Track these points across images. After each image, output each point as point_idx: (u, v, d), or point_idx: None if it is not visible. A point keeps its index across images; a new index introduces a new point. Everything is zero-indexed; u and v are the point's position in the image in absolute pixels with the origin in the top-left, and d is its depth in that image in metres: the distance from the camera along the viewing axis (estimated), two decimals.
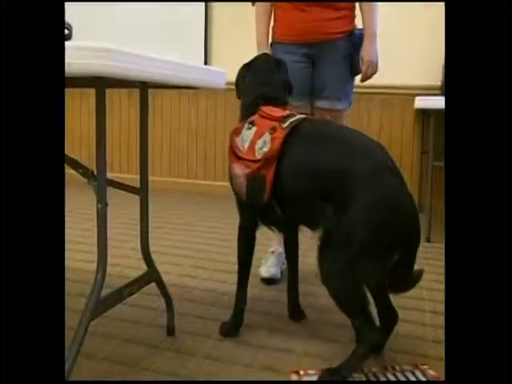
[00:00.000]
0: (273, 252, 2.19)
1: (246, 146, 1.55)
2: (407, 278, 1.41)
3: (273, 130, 1.49)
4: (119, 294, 1.38)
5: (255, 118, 1.60)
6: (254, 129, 1.56)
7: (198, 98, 4.26)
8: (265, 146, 1.48)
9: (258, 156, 1.48)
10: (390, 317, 1.50)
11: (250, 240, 1.62)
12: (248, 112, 1.66)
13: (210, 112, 4.24)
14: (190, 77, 1.47)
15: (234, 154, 1.58)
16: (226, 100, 4.15)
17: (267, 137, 1.49)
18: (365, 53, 2.07)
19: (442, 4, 3.55)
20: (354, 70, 2.11)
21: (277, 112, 1.56)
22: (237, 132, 1.62)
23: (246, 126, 1.60)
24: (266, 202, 1.48)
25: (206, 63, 4.05)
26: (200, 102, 4.26)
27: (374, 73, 2.11)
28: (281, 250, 2.07)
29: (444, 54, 3.40)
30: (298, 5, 2.04)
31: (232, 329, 1.62)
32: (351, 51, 2.08)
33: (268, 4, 2.16)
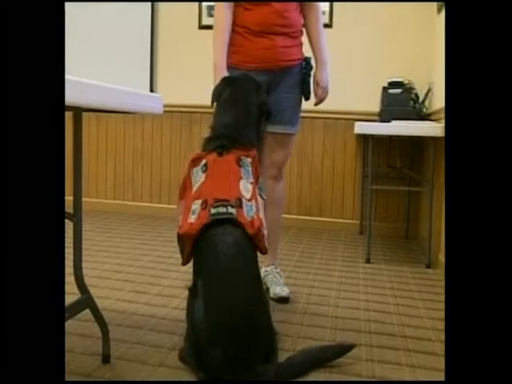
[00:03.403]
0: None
1: (194, 189, 1.60)
2: None
3: (204, 204, 1.53)
4: None
5: (210, 162, 1.62)
6: (203, 178, 1.60)
7: (144, 120, 4.24)
8: (194, 214, 1.54)
9: (188, 220, 1.53)
10: None
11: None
12: (210, 145, 1.68)
13: (155, 134, 4.23)
14: (125, 102, 1.47)
15: (185, 188, 1.63)
16: (171, 122, 4.16)
17: (198, 207, 1.54)
18: (320, 79, 2.24)
19: (384, 34, 3.72)
20: (306, 95, 2.22)
21: (223, 178, 1.58)
22: (194, 163, 1.65)
23: (202, 165, 1.62)
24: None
25: (151, 90, 4.05)
26: (145, 124, 4.24)
27: (326, 96, 2.29)
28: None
29: (382, 82, 3.56)
30: (263, 33, 2.09)
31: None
32: (304, 77, 2.20)
33: (229, 26, 2.10)
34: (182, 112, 4.09)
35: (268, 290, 2.23)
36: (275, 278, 2.26)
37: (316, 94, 2.27)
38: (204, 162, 1.63)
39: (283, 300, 2.16)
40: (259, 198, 1.64)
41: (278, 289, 2.19)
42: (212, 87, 1.99)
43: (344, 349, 1.62)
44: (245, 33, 2.11)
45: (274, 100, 2.13)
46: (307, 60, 2.22)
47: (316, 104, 2.29)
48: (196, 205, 1.55)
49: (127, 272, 2.56)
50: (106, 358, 1.57)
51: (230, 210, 1.52)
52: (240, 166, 1.63)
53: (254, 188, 1.63)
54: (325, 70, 2.25)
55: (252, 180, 1.63)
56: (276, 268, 2.33)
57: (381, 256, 3.11)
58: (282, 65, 2.14)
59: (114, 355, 1.60)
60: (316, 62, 2.25)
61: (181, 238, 1.57)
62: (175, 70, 4.10)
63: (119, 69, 4.03)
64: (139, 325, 1.87)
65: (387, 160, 3.75)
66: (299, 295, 2.27)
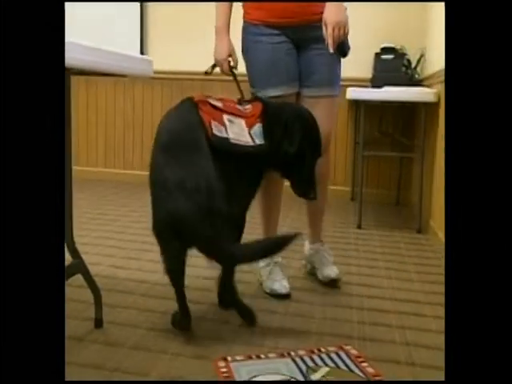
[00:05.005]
0: (276, 263, 1.98)
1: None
2: None
3: None
4: None
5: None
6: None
7: (134, 87, 4.17)
8: None
9: None
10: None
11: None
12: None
13: (146, 101, 4.17)
14: (115, 64, 1.44)
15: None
16: (162, 89, 4.10)
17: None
18: (327, 14, 1.77)
19: (376, 3, 3.65)
20: (341, 50, 1.86)
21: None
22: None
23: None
24: None
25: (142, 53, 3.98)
26: (136, 91, 4.18)
27: (344, 34, 1.79)
28: (281, 259, 2.01)
29: (374, 48, 3.52)
30: None
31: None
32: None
33: None
34: (172, 79, 4.03)
35: (314, 270, 2.06)
36: (324, 258, 2.04)
37: (348, 48, 1.90)
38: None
39: (333, 282, 1.96)
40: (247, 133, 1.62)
41: (327, 270, 1.98)
42: (211, 52, 1.91)
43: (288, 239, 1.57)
44: None
45: (305, 61, 1.91)
46: None
47: (332, 48, 1.78)
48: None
49: (119, 239, 2.56)
50: (98, 323, 1.58)
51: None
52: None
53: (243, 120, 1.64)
54: (334, 4, 1.78)
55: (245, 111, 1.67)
56: (323, 245, 2.09)
57: (372, 222, 3.13)
58: (309, 19, 1.86)
59: (106, 320, 1.61)
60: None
61: None
62: (166, 35, 4.02)
63: (108, 35, 3.94)
64: (131, 290, 1.88)
65: (379, 126, 3.73)
66: (291, 260, 2.29)
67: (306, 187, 1.74)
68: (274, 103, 1.75)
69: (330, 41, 1.77)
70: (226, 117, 1.60)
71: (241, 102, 1.73)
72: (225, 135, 1.56)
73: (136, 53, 3.97)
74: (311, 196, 1.74)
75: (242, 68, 1.97)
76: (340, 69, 1.98)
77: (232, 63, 1.94)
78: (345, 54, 1.91)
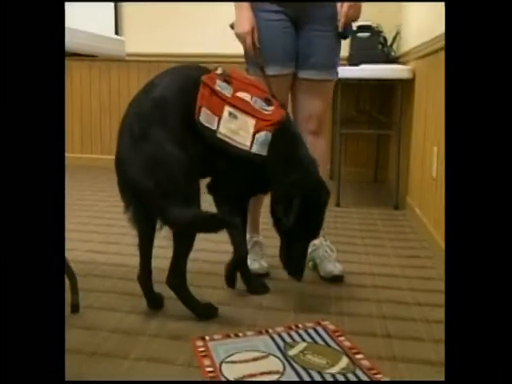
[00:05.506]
0: (256, 242, 1.98)
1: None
2: None
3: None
4: None
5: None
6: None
7: (110, 70, 4.10)
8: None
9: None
10: None
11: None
12: None
13: (122, 84, 4.11)
14: (87, 43, 1.42)
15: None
16: (139, 72, 4.04)
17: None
18: None
19: None
20: (342, 32, 1.81)
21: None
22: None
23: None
24: None
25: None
26: (112, 74, 4.11)
27: (357, 17, 1.77)
28: (261, 238, 2.01)
29: None
30: None
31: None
32: (337, 10, 1.78)
33: None
34: (149, 61, 3.97)
35: (316, 267, 1.93)
36: (326, 253, 1.92)
37: (350, 31, 1.84)
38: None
39: (337, 279, 1.84)
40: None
41: (330, 266, 1.87)
42: (234, 29, 1.77)
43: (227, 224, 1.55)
44: None
45: (304, 42, 1.81)
46: None
47: (342, 23, 1.74)
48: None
49: (97, 224, 2.54)
50: (74, 308, 1.57)
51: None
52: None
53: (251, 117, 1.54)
54: None
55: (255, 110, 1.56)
56: (326, 241, 1.97)
57: (350, 200, 3.15)
58: None
59: (83, 305, 1.60)
60: None
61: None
62: (141, 16, 3.95)
63: (82, 19, 3.86)
64: (109, 274, 1.87)
65: (356, 105, 3.73)
66: (270, 239, 2.29)
67: (291, 264, 1.61)
68: (295, 129, 1.67)
69: (342, 19, 1.73)
70: (228, 109, 1.51)
71: (269, 99, 1.60)
72: (214, 127, 1.49)
73: (111, 34, 3.91)
74: (296, 276, 1.61)
75: (240, 48, 1.84)
76: (340, 52, 1.89)
77: (255, 39, 1.75)
78: (346, 37, 1.85)
